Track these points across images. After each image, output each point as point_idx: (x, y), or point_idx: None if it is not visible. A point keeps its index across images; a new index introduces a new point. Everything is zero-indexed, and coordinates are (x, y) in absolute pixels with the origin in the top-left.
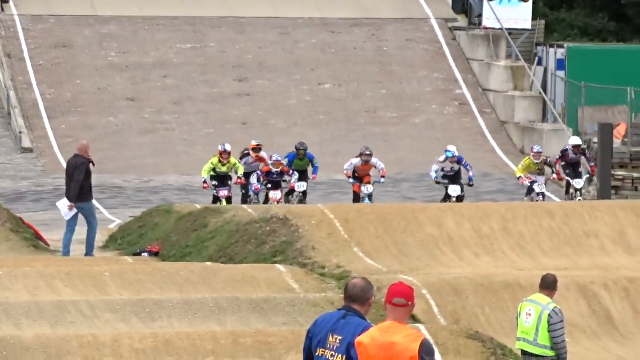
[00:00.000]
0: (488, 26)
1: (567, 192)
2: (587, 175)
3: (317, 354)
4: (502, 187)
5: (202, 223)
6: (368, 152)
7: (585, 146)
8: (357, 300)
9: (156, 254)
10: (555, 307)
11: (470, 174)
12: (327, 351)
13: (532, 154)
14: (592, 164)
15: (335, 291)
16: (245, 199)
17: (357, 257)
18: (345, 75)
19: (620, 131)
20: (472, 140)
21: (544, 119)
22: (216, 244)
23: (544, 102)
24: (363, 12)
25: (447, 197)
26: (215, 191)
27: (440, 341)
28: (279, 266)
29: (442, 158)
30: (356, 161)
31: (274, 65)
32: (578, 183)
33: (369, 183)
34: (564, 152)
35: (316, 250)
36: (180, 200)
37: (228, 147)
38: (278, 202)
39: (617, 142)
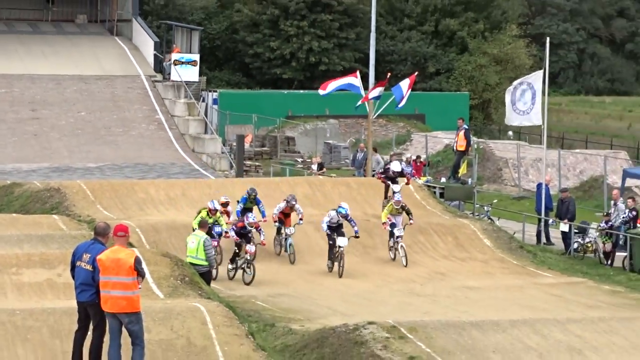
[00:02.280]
0: (174, 79)
1: (386, 196)
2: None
3: (77, 265)
4: (181, 171)
5: (10, 191)
6: (293, 202)
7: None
8: (100, 234)
9: None
10: (208, 237)
11: (356, 228)
12: (82, 263)
13: (394, 201)
14: (408, 175)
15: (87, 230)
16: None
17: (99, 211)
18: (93, 107)
19: (248, 139)
20: (165, 144)
21: (206, 132)
22: (19, 203)
23: (205, 123)
24: (103, 71)
25: (333, 246)
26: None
27: (146, 257)
28: (54, 216)
29: (332, 213)
30: (282, 205)
31: (52, 101)
32: (396, 188)
33: (290, 225)
34: (386, 170)
35: (76, 207)
36: None
37: (217, 206)
38: (253, 254)
39: (247, 145)
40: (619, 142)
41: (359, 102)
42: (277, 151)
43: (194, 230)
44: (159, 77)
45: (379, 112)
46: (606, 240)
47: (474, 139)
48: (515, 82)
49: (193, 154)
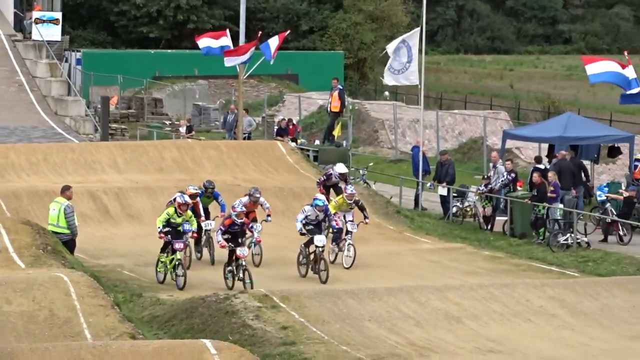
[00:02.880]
0: (35, 39)
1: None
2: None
3: None
4: (43, 135)
5: None
6: (257, 195)
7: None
8: None
9: None
10: (69, 204)
11: (333, 223)
12: None
13: (346, 194)
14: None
15: None
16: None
17: None
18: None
19: (113, 101)
20: (26, 107)
21: (69, 94)
22: None
23: (69, 84)
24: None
25: (310, 244)
26: (170, 242)
27: (6, 225)
28: None
29: (307, 208)
30: (245, 200)
31: None
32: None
33: (255, 221)
34: (329, 175)
35: None
36: None
37: (188, 199)
38: (244, 258)
39: (112, 108)
40: (499, 102)
41: (226, 60)
42: (144, 113)
43: (159, 229)
44: (20, 36)
45: (250, 72)
46: (486, 204)
47: (348, 99)
48: (393, 42)
49: (56, 117)
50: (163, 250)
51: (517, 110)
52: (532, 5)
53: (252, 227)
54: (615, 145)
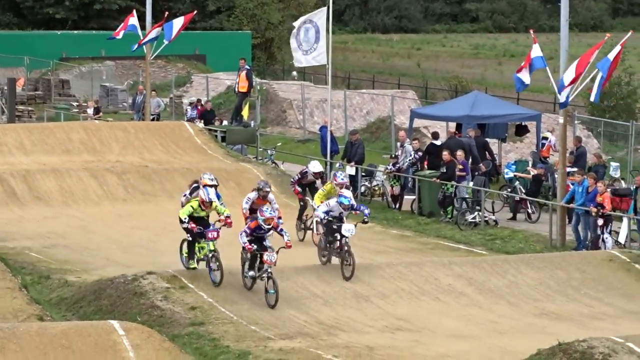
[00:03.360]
0: None
1: (300, 217)
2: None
3: None
4: None
5: None
6: (267, 189)
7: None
8: None
9: None
10: None
11: (367, 211)
12: None
13: (336, 182)
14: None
15: None
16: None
17: None
18: None
19: (20, 83)
20: None
21: None
22: None
23: None
24: None
25: (334, 240)
26: (201, 230)
27: None
28: None
29: (332, 203)
30: (253, 195)
31: None
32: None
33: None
34: (304, 174)
35: None
36: None
37: (213, 196)
38: (272, 264)
39: (18, 89)
40: (406, 82)
41: (136, 46)
42: (51, 95)
43: (181, 221)
44: None
45: (157, 52)
46: (394, 183)
47: (256, 79)
48: (299, 21)
49: None
50: (193, 242)
51: (424, 89)
52: None
53: (281, 230)
54: (523, 124)
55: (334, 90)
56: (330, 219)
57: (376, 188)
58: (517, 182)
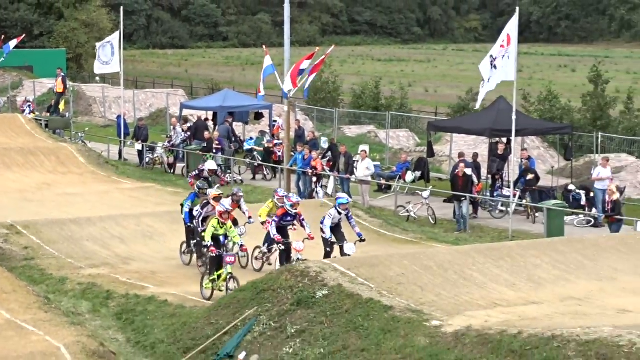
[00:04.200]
0: None
1: None
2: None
3: None
4: None
5: None
6: (240, 194)
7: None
8: None
9: None
10: None
11: (357, 230)
12: None
13: (278, 197)
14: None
15: None
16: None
17: None
18: None
19: None
20: None
21: None
22: None
23: None
24: None
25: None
26: (220, 254)
27: None
28: None
29: (332, 211)
30: (227, 202)
31: None
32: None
33: (236, 224)
34: (200, 170)
35: None
36: None
37: (228, 207)
38: (301, 252)
39: None
40: (178, 83)
41: None
42: None
43: (209, 243)
44: None
45: None
46: (169, 155)
47: (70, 83)
48: (100, 43)
49: None
50: (211, 268)
51: (190, 88)
52: (200, 13)
53: (303, 220)
54: (259, 112)
55: (126, 90)
56: (330, 234)
57: (157, 159)
58: (255, 153)
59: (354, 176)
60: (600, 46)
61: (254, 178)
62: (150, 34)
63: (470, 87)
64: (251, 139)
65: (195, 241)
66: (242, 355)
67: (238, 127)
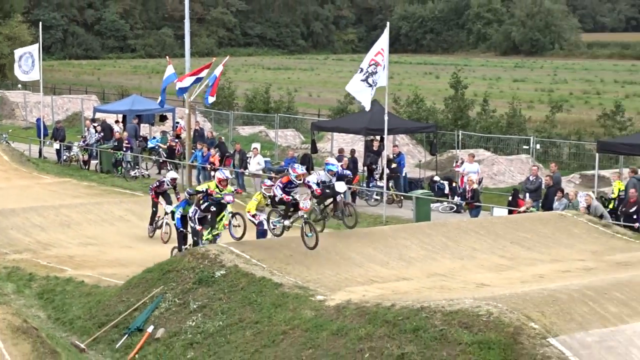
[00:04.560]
0: None
1: (152, 222)
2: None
3: None
4: None
5: None
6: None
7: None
8: None
9: None
10: None
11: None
12: None
13: (296, 173)
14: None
15: None
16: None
17: None
18: None
19: None
20: None
21: None
22: None
23: None
24: None
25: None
26: (220, 199)
27: None
28: None
29: (322, 173)
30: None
31: None
32: (168, 207)
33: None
34: (161, 182)
35: None
36: None
37: (228, 174)
38: (307, 210)
39: None
40: (91, 89)
41: None
42: None
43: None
44: None
45: None
46: (84, 153)
47: None
48: (20, 51)
49: None
50: (212, 222)
51: (103, 94)
52: (111, 27)
53: (309, 182)
54: (164, 114)
55: (45, 96)
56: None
57: (73, 156)
58: (160, 149)
59: (247, 170)
60: (460, 56)
61: (159, 172)
62: (67, 46)
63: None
64: (154, 138)
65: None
66: (151, 328)
67: (145, 128)
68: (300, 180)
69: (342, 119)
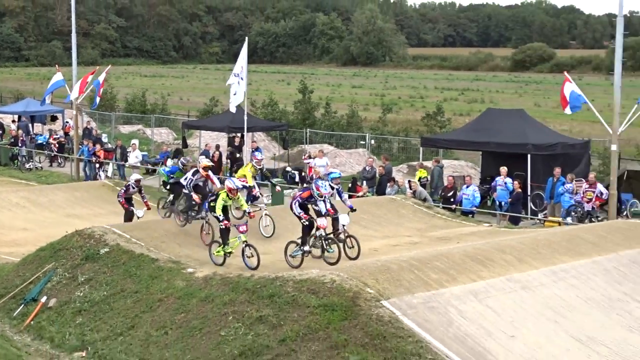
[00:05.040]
0: None
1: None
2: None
3: None
4: None
5: None
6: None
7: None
8: None
9: None
10: None
11: (348, 203)
12: None
13: (255, 160)
14: (145, 199)
15: None
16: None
17: None
18: None
19: None
20: None
21: None
22: None
23: None
24: None
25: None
26: (234, 226)
27: None
28: None
29: (326, 184)
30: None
31: None
32: (140, 212)
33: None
34: (127, 187)
35: None
36: None
37: (239, 184)
38: (325, 228)
39: None
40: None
41: None
42: None
43: (220, 217)
44: None
45: None
46: None
47: None
48: None
49: None
50: (224, 238)
51: (0, 98)
52: (7, 40)
53: (340, 190)
54: (54, 115)
55: None
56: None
57: None
58: (51, 145)
59: (127, 163)
60: (308, 66)
61: (51, 165)
62: None
63: (212, 96)
64: (41, 135)
65: (174, 201)
66: (44, 298)
67: (38, 127)
68: (322, 197)
69: (208, 118)
